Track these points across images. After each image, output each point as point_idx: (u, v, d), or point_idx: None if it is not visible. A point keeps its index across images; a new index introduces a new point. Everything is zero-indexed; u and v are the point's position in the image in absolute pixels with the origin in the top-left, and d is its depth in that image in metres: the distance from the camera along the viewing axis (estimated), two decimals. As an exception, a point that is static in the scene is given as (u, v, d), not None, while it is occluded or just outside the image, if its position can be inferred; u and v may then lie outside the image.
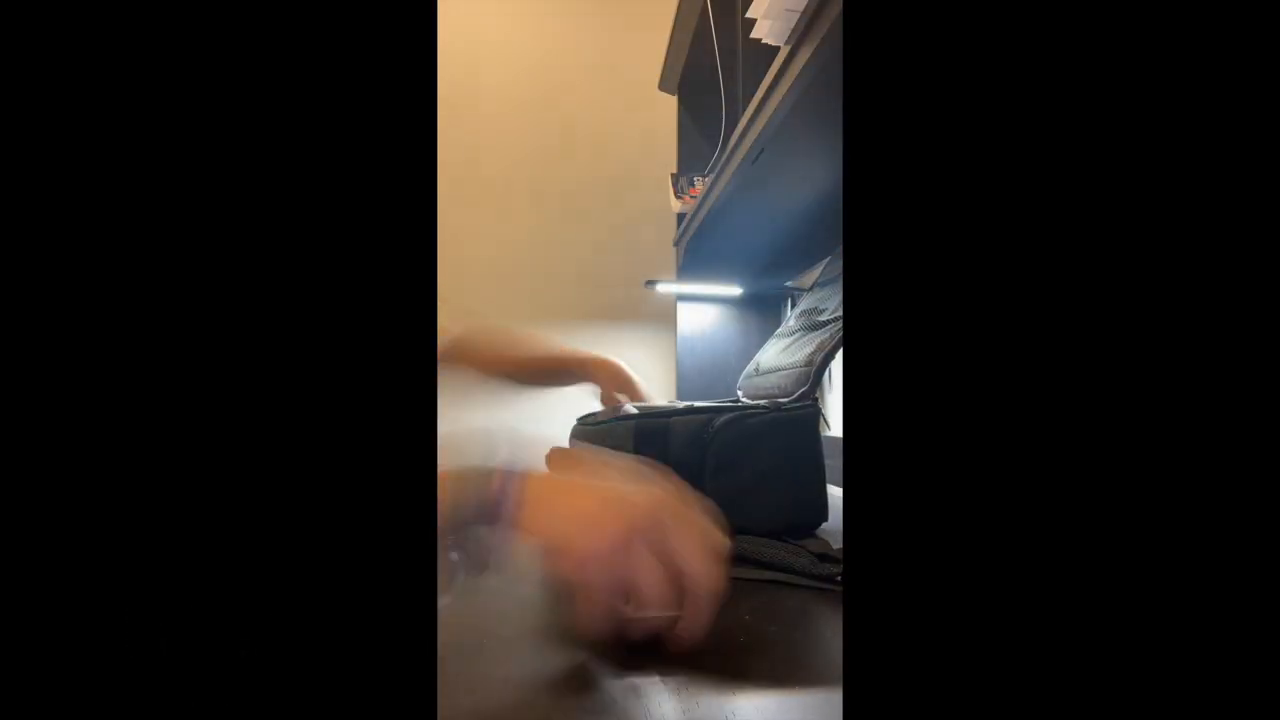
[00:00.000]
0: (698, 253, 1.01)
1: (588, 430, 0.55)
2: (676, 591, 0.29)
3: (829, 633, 0.37)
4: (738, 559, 0.41)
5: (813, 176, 0.69)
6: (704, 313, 1.24)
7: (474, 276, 1.44)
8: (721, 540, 0.31)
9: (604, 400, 0.64)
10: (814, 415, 0.48)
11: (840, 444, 0.47)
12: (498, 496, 0.30)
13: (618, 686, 0.30)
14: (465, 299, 1.42)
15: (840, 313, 0.54)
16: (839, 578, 0.40)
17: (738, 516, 0.38)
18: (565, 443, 0.56)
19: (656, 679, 0.31)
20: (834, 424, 1.16)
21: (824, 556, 0.42)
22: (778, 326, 1.23)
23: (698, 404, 0.52)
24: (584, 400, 0.67)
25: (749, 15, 0.50)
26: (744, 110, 0.60)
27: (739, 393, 0.67)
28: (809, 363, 0.51)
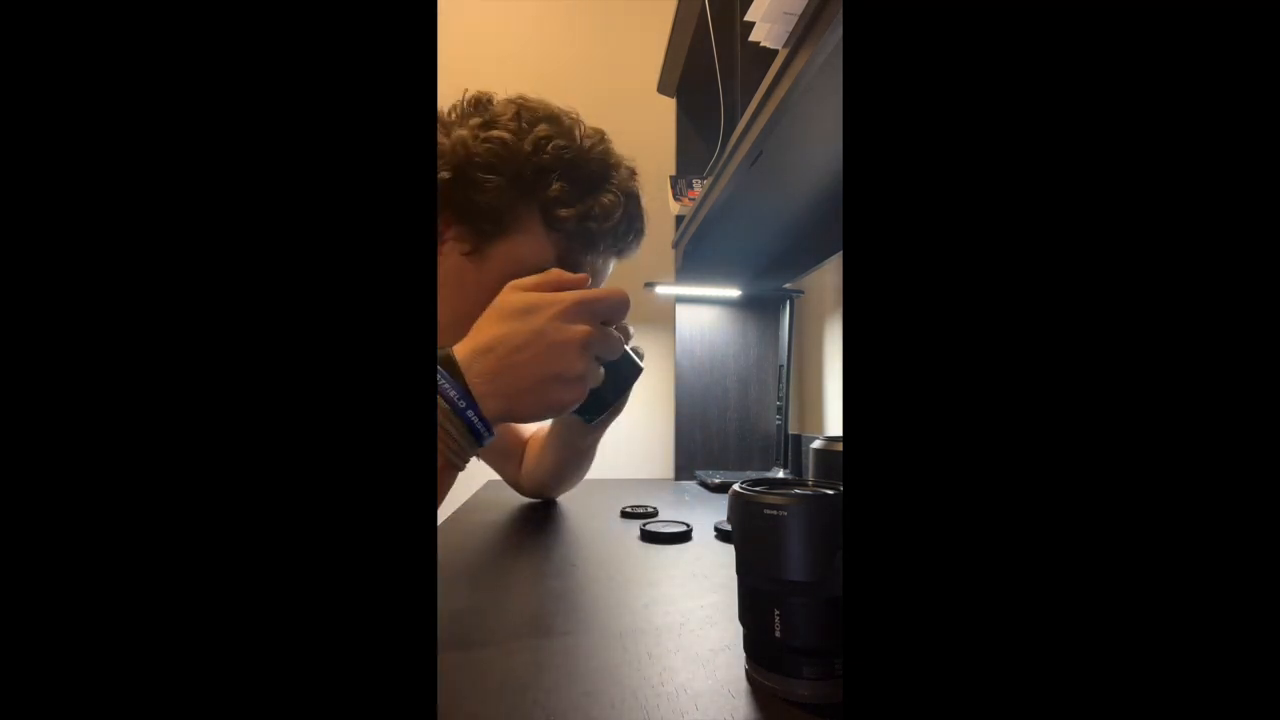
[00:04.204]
0: (696, 255, 1.01)
1: None
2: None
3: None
4: None
5: (811, 179, 0.69)
6: (702, 314, 1.25)
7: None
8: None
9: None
10: None
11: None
12: None
13: (618, 689, 0.30)
14: (464, 301, 1.42)
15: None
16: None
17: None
18: None
19: (657, 681, 0.31)
20: (834, 425, 1.16)
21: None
22: (776, 328, 1.23)
23: None
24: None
25: (747, 18, 0.50)
26: (742, 113, 0.60)
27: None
28: None
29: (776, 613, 0.29)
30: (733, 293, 1.20)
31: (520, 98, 0.57)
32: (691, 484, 1.13)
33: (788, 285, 1.17)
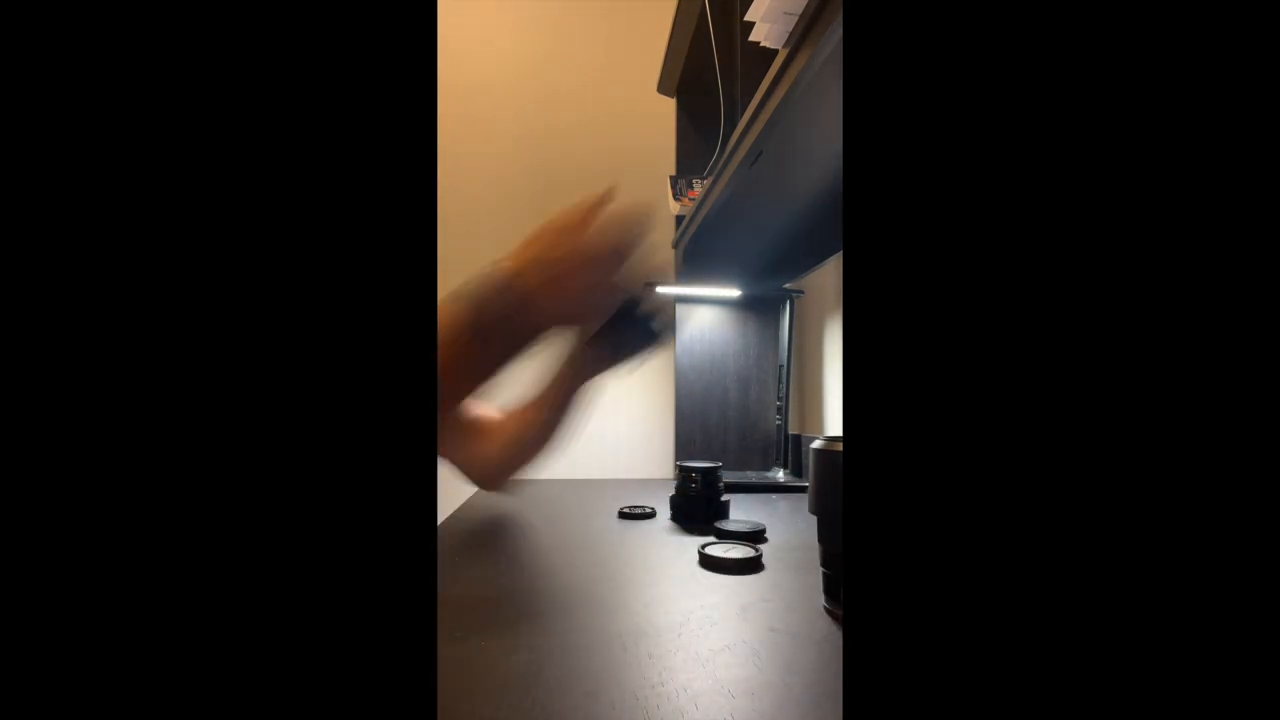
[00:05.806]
0: (696, 255, 1.01)
1: None
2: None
3: (828, 636, 0.37)
4: None
5: (811, 179, 0.69)
6: (703, 314, 1.25)
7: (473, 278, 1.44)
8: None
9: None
10: None
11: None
12: None
13: (617, 690, 0.30)
14: (464, 301, 1.42)
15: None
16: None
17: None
18: None
19: (657, 681, 0.31)
20: (834, 425, 1.16)
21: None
22: (776, 328, 1.23)
23: None
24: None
25: (747, 18, 0.50)
26: (742, 113, 0.60)
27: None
28: None
29: None
30: (733, 293, 1.20)
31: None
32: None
33: (788, 285, 1.17)
